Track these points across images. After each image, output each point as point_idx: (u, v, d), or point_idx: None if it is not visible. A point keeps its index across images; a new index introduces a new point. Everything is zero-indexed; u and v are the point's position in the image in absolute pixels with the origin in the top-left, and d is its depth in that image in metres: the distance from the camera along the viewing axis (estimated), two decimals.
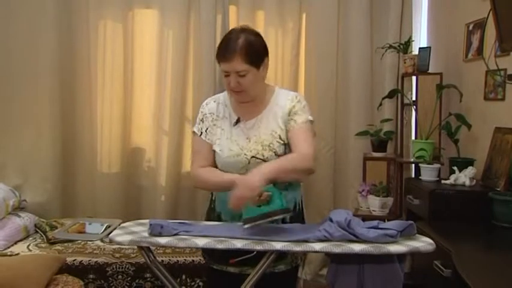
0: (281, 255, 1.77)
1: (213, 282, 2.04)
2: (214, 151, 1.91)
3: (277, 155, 1.85)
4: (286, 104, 1.89)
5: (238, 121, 1.90)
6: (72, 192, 3.58)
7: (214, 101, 1.98)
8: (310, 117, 1.89)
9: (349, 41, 3.61)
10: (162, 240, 1.69)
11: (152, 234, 1.72)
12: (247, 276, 1.78)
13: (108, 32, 3.56)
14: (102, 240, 1.86)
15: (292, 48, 3.60)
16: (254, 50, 1.81)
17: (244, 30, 1.86)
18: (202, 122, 1.95)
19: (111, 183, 3.57)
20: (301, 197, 1.98)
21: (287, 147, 1.87)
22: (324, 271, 3.49)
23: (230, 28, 3.50)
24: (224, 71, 1.82)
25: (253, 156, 1.84)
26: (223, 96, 1.98)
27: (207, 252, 1.97)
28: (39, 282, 2.26)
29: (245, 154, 1.85)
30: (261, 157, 1.84)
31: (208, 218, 1.98)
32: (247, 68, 1.79)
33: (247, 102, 1.89)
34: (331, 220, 1.69)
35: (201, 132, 1.94)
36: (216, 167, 1.92)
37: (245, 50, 1.78)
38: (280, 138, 1.87)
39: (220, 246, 1.64)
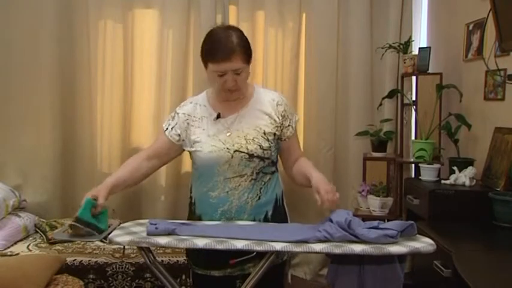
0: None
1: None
2: (194, 152, 1.91)
3: (262, 149, 1.85)
4: (272, 105, 1.91)
5: (218, 116, 1.89)
6: (72, 192, 3.57)
7: (191, 102, 1.98)
8: (297, 117, 1.99)
9: (349, 41, 3.61)
10: (162, 241, 1.69)
11: (149, 233, 1.72)
12: (231, 278, 1.80)
13: (108, 32, 3.56)
14: (102, 240, 1.85)
15: (292, 48, 3.60)
16: (248, 48, 1.83)
17: (230, 28, 1.86)
18: (172, 119, 1.98)
19: None
20: (282, 191, 1.98)
21: (271, 142, 1.88)
22: (324, 271, 3.49)
23: None
24: (220, 71, 1.79)
25: (236, 150, 1.84)
26: (201, 97, 1.98)
27: (191, 257, 1.98)
28: (39, 282, 2.26)
29: (227, 148, 1.84)
30: (245, 150, 1.84)
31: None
32: (244, 66, 1.81)
33: (231, 101, 1.90)
34: (331, 221, 1.69)
35: (166, 128, 1.97)
36: (192, 166, 1.97)
37: (243, 48, 1.80)
38: (264, 134, 1.87)
39: (220, 246, 1.64)
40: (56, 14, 3.45)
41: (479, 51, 2.82)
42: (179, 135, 1.94)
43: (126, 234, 1.75)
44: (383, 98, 3.35)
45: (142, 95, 3.64)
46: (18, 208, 3.27)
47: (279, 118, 1.90)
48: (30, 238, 3.14)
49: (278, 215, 1.92)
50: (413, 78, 3.38)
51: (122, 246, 2.79)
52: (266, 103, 1.91)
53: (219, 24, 1.95)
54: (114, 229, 1.82)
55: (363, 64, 3.58)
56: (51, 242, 3.01)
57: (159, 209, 3.54)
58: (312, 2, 3.58)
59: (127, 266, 2.80)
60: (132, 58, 3.60)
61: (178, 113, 1.97)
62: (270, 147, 1.87)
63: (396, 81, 3.53)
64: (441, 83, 3.08)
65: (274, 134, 1.89)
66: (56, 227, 3.12)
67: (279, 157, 1.98)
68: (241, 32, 1.85)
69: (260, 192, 1.88)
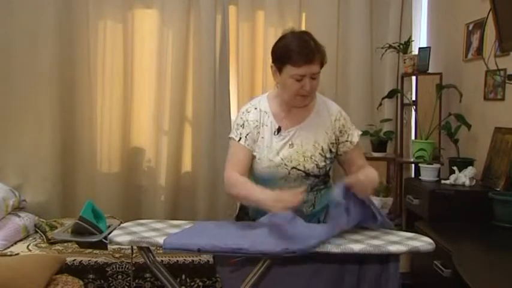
0: None
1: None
2: (254, 157, 1.87)
3: (319, 168, 1.86)
4: (331, 119, 1.91)
5: (279, 130, 1.87)
6: (72, 192, 3.58)
7: (256, 108, 1.92)
8: (360, 132, 1.96)
9: (349, 41, 3.61)
10: (162, 240, 1.69)
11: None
12: None
13: (108, 32, 3.56)
14: (102, 241, 1.86)
15: None
16: (325, 53, 1.85)
17: (304, 32, 1.88)
18: (243, 127, 1.88)
19: (111, 183, 3.57)
20: None
21: (327, 160, 1.88)
22: None
23: (229, 28, 3.54)
24: (300, 74, 1.77)
25: (293, 167, 1.84)
26: (263, 103, 1.93)
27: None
28: (39, 282, 2.26)
29: (285, 165, 1.84)
30: (302, 168, 1.84)
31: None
32: (319, 70, 1.81)
33: (298, 107, 1.88)
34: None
35: (240, 138, 1.87)
36: (250, 173, 1.89)
37: (322, 52, 1.82)
38: (322, 150, 1.87)
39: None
40: (56, 14, 3.45)
41: (479, 51, 2.82)
42: (254, 141, 1.87)
43: (126, 234, 1.75)
44: (383, 98, 3.35)
45: (142, 95, 3.64)
46: (18, 208, 3.27)
47: (335, 134, 1.89)
48: (30, 238, 3.13)
49: None
50: (413, 78, 3.38)
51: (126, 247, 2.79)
52: (325, 118, 1.91)
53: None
54: (114, 229, 1.82)
55: (363, 64, 3.59)
56: (51, 242, 3.01)
57: (159, 209, 3.54)
58: (312, 2, 3.58)
59: (127, 266, 2.80)
60: (132, 58, 3.60)
61: (248, 121, 1.89)
62: (325, 166, 1.88)
63: (396, 81, 3.54)
64: (441, 83, 3.08)
65: (330, 151, 1.89)
66: (56, 227, 3.12)
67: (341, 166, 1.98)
68: (313, 37, 1.85)
69: (315, 202, 1.90)
